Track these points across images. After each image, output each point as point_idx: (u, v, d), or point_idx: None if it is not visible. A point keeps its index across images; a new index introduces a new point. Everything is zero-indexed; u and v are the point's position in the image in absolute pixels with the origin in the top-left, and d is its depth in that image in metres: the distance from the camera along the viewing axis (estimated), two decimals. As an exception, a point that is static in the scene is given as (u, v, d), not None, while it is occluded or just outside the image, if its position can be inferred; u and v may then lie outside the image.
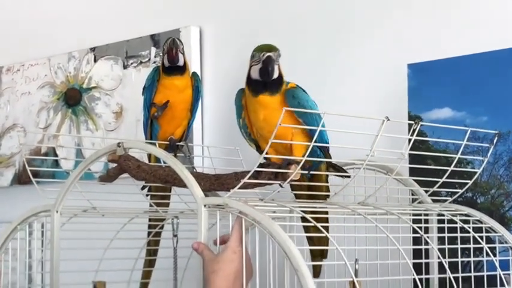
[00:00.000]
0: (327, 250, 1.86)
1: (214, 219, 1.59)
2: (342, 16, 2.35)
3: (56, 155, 2.93)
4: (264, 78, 1.82)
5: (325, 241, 1.70)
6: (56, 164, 2.91)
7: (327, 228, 1.58)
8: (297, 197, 1.84)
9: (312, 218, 1.55)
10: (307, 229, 1.76)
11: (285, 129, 1.76)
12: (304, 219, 1.61)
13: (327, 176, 1.90)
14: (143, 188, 2.12)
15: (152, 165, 1.85)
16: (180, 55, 2.17)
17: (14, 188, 3.06)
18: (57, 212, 1.84)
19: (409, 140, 1.75)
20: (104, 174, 1.95)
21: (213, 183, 1.75)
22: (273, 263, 1.74)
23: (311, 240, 1.86)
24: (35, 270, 2.06)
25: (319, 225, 1.54)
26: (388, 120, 1.65)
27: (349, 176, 1.83)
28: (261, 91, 1.83)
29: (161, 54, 2.25)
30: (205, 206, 1.57)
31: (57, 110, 2.99)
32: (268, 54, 1.81)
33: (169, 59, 2.17)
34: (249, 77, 1.86)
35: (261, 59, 1.82)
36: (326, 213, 1.80)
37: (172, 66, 2.17)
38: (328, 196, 1.84)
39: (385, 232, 1.60)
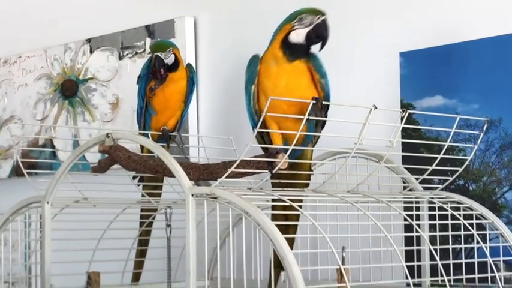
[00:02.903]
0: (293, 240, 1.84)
1: (208, 210, 1.60)
2: (335, 6, 2.34)
3: (53, 147, 2.94)
4: (312, 42, 1.80)
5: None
6: (54, 155, 2.91)
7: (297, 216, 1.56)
8: (277, 185, 1.82)
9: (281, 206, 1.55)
10: (274, 218, 1.74)
11: (303, 91, 1.79)
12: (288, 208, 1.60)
13: (310, 164, 1.89)
14: (134, 177, 2.12)
15: (142, 156, 1.86)
16: (169, 58, 2.18)
17: (12, 180, 3.07)
18: (47, 203, 1.84)
19: (400, 128, 1.75)
20: (95, 165, 1.96)
21: (202, 173, 1.75)
22: (260, 252, 1.74)
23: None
24: (33, 261, 2.07)
25: (306, 213, 1.54)
26: (376, 108, 1.65)
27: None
28: (299, 56, 1.81)
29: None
30: (193, 195, 1.58)
31: (54, 101, 3.00)
32: (323, 17, 1.80)
33: (154, 76, 2.19)
34: (285, 41, 1.82)
35: (314, 22, 1.80)
36: (300, 201, 1.79)
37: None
38: (308, 184, 1.83)
39: (373, 220, 1.61)
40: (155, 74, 2.19)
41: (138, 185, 2.16)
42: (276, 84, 1.82)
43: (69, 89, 2.97)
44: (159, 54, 2.17)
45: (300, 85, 1.82)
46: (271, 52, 1.85)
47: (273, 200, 1.64)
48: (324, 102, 1.79)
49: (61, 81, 2.99)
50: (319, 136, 1.89)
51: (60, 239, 1.94)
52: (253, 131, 1.86)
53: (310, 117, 1.64)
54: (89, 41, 2.91)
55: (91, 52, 2.91)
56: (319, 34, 1.82)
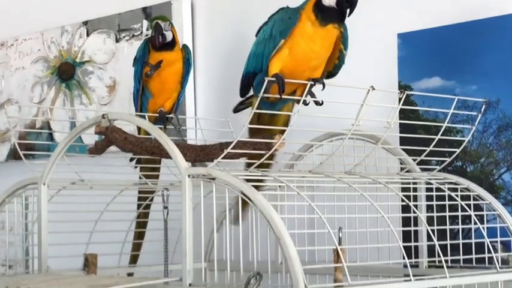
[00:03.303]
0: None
1: (205, 192, 1.60)
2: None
3: (51, 129, 2.93)
4: (342, 6, 1.79)
5: None
6: (51, 138, 2.91)
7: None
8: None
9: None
10: None
11: (326, 57, 1.82)
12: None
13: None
14: (131, 160, 2.12)
15: (139, 137, 1.86)
16: (167, 32, 2.18)
17: (10, 163, 3.07)
18: (44, 184, 1.84)
19: (397, 109, 1.75)
20: (92, 147, 1.96)
21: (198, 154, 1.75)
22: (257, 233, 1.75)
23: None
24: (30, 243, 2.07)
25: (303, 194, 1.54)
26: (374, 89, 1.65)
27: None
28: (331, 20, 1.80)
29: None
30: (189, 176, 1.57)
31: (51, 84, 2.99)
32: None
33: (153, 45, 2.18)
34: (318, 4, 1.80)
35: None
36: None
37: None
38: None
39: (370, 200, 1.60)
40: (153, 42, 2.18)
41: (135, 167, 2.15)
42: (311, 47, 1.82)
43: (66, 72, 2.96)
44: (159, 21, 2.17)
45: (328, 51, 1.85)
46: (306, 13, 1.82)
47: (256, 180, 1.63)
48: (316, 82, 1.78)
49: (58, 64, 2.98)
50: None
51: (57, 221, 1.94)
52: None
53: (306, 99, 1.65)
54: (85, 23, 2.90)
55: (88, 35, 2.89)
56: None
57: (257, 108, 1.61)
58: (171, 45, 2.20)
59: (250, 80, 1.94)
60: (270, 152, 1.63)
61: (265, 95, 1.58)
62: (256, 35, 1.93)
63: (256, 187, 1.61)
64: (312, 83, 1.72)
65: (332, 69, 1.92)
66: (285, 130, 1.65)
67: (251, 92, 2.01)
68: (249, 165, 1.76)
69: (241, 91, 2.00)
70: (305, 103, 1.73)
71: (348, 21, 2.27)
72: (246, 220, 1.97)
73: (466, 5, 2.10)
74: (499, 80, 2.02)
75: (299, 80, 1.77)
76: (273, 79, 1.69)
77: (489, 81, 2.04)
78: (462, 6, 2.10)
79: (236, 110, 2.07)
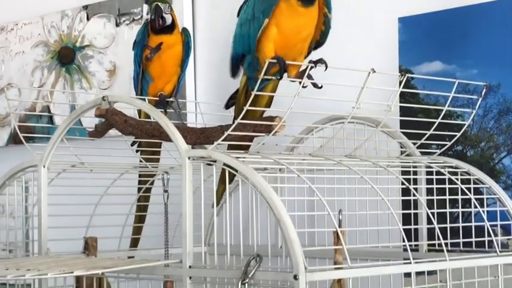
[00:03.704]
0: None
1: (205, 176, 1.60)
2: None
3: (51, 113, 2.93)
4: None
5: None
6: (51, 121, 2.90)
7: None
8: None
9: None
10: None
11: (314, 24, 1.81)
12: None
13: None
14: (133, 144, 2.12)
15: (139, 120, 1.85)
16: (167, 15, 2.17)
17: (10, 147, 3.06)
18: (44, 166, 1.84)
19: (398, 92, 1.75)
20: (92, 130, 1.95)
21: (198, 137, 1.75)
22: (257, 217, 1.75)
23: None
24: (30, 226, 2.07)
25: (303, 176, 1.53)
26: (374, 72, 1.65)
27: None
28: (311, 2, 1.79)
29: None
30: (189, 158, 1.57)
31: (51, 69, 2.99)
32: None
33: (152, 27, 2.17)
34: None
35: None
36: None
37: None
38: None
39: (370, 183, 1.60)
40: (153, 25, 2.17)
41: (136, 151, 2.15)
42: (297, 20, 1.79)
43: (66, 57, 2.95)
44: (159, 4, 2.16)
45: (315, 18, 1.83)
46: None
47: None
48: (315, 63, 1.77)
49: (58, 48, 2.98)
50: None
51: (57, 204, 1.94)
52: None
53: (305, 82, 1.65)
54: (85, 7, 2.89)
55: (88, 19, 2.89)
56: None
57: (245, 87, 1.60)
58: (170, 28, 2.19)
59: (239, 61, 1.92)
60: (271, 135, 1.62)
61: (265, 77, 1.58)
62: (238, 15, 1.92)
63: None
64: (313, 65, 1.72)
65: (319, 37, 1.89)
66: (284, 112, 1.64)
67: (241, 73, 1.99)
68: (230, 147, 1.77)
69: (232, 72, 1.98)
70: (304, 86, 1.73)
71: (348, 5, 2.28)
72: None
73: (467, -11, 2.10)
74: (500, 65, 2.02)
75: (293, 54, 1.78)
76: (274, 61, 1.68)
77: (490, 65, 2.03)
78: (463, -10, 2.10)
79: (227, 105, 2.04)
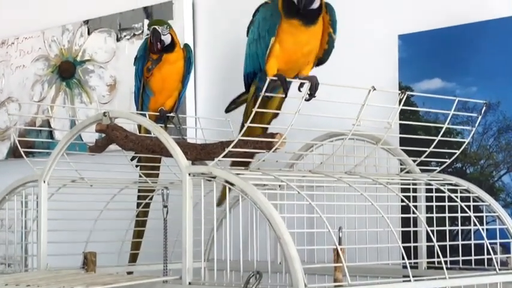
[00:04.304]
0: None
1: (205, 191, 1.60)
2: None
3: (51, 128, 2.93)
4: (302, 7, 1.77)
5: None
6: (51, 136, 2.91)
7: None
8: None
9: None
10: None
11: (318, 41, 1.84)
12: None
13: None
14: (133, 159, 2.12)
15: (140, 136, 1.85)
16: (165, 36, 2.18)
17: (9, 161, 3.07)
18: (44, 182, 1.84)
19: (398, 109, 1.75)
20: (92, 145, 1.96)
21: (199, 153, 1.75)
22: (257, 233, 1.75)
23: None
24: (30, 241, 2.07)
25: (303, 193, 1.54)
26: (375, 89, 1.65)
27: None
28: (312, 22, 1.80)
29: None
30: (189, 174, 1.57)
31: (51, 83, 2.99)
32: None
33: (151, 50, 2.19)
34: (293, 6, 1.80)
35: None
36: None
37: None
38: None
39: (370, 200, 1.60)
40: (152, 48, 2.19)
41: (136, 166, 2.15)
42: (299, 36, 1.82)
43: (67, 71, 2.96)
44: (156, 27, 2.17)
45: (318, 35, 1.87)
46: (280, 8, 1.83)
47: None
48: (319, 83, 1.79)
49: (58, 62, 2.98)
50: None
51: (56, 219, 1.94)
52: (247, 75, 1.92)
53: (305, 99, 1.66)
54: (86, 22, 2.90)
55: (89, 33, 2.90)
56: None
57: (253, 97, 1.61)
58: (170, 47, 2.20)
59: (251, 79, 1.96)
60: (271, 151, 1.63)
61: (268, 94, 1.59)
62: (247, 35, 1.96)
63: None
64: (306, 81, 1.73)
65: (322, 55, 1.92)
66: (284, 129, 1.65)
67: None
68: (233, 163, 1.78)
69: (246, 88, 2.01)
70: (307, 99, 1.74)
71: (349, 22, 2.29)
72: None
73: (467, 6, 2.10)
74: (500, 82, 2.02)
75: (298, 67, 1.83)
76: (275, 78, 1.69)
77: (489, 83, 2.04)
78: (463, 8, 2.11)
79: (228, 109, 2.09)
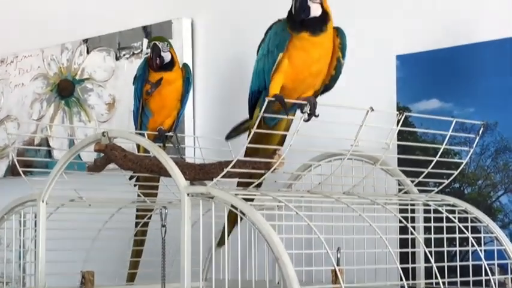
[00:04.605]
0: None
1: (203, 210, 1.60)
2: (332, 8, 2.35)
3: (49, 146, 2.93)
4: (297, 16, 1.77)
5: None
6: (50, 155, 2.91)
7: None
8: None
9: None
10: None
11: (325, 64, 1.81)
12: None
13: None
14: (131, 178, 2.12)
15: (138, 155, 1.86)
16: (165, 53, 2.19)
17: (8, 179, 3.07)
18: (43, 201, 1.84)
19: (396, 130, 1.76)
20: (91, 165, 1.96)
21: (198, 173, 1.75)
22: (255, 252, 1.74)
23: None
24: (28, 260, 2.07)
25: (301, 213, 1.54)
26: (373, 110, 1.66)
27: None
28: (320, 29, 1.78)
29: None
30: (188, 194, 1.58)
31: (50, 101, 3.00)
32: None
33: (151, 66, 2.20)
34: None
35: None
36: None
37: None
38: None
39: (368, 221, 1.61)
40: (151, 64, 2.19)
41: (135, 185, 2.16)
42: (309, 53, 1.80)
43: (66, 89, 2.96)
44: (157, 42, 2.18)
45: (328, 55, 1.85)
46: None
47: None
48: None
49: (57, 81, 2.99)
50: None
51: (54, 238, 1.93)
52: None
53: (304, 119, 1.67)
54: (85, 41, 2.91)
55: (88, 52, 2.91)
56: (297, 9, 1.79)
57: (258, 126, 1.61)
58: (170, 65, 2.21)
59: (256, 99, 1.92)
60: (270, 172, 1.63)
61: (265, 115, 1.59)
62: (257, 53, 1.93)
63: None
64: (307, 103, 1.73)
65: (328, 81, 1.89)
66: (281, 149, 1.66)
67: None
68: (240, 184, 1.77)
69: (250, 111, 1.97)
70: (305, 120, 1.74)
71: (347, 42, 2.30)
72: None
73: (465, 27, 2.11)
74: (497, 103, 2.03)
75: (303, 88, 1.80)
76: (273, 99, 1.69)
77: (487, 104, 2.05)
78: (461, 29, 2.12)
79: (228, 137, 2.05)
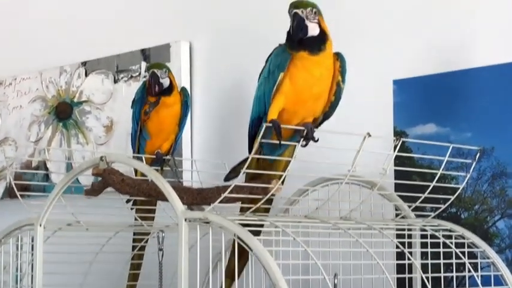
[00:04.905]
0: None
1: (201, 234, 1.60)
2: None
3: (47, 169, 2.93)
4: (294, 36, 1.77)
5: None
6: (47, 178, 2.91)
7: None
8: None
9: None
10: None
11: (326, 86, 1.81)
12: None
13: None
14: (128, 201, 2.13)
15: (136, 179, 1.86)
16: (164, 80, 2.20)
17: (5, 201, 3.06)
18: (40, 225, 1.84)
19: (393, 156, 1.76)
20: (89, 188, 1.96)
21: (195, 198, 1.76)
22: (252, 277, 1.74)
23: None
24: (25, 284, 2.06)
25: (298, 239, 1.54)
26: (370, 136, 1.67)
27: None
28: (318, 48, 1.78)
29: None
30: (186, 219, 1.58)
31: (48, 123, 3.01)
32: (293, 11, 1.77)
33: (149, 93, 2.21)
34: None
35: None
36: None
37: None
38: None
39: (365, 247, 1.61)
40: (149, 90, 2.20)
41: (132, 209, 2.16)
42: (310, 72, 1.79)
43: (64, 112, 2.97)
44: (155, 70, 2.19)
45: (329, 77, 1.84)
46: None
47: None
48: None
49: (56, 103, 3.00)
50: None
51: (52, 262, 1.93)
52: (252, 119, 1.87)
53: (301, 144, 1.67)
54: (84, 64, 2.92)
55: (86, 75, 2.92)
56: (294, 29, 1.79)
57: (257, 152, 1.61)
58: (168, 90, 2.22)
59: (257, 128, 1.87)
60: (267, 197, 1.64)
61: (264, 141, 1.60)
62: (258, 80, 1.91)
63: (258, 232, 1.62)
64: (304, 129, 1.73)
65: (328, 109, 1.87)
66: (281, 175, 1.66)
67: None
68: (243, 209, 1.76)
69: (249, 144, 1.91)
70: (304, 145, 1.74)
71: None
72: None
73: (461, 53, 2.13)
74: (494, 128, 2.04)
75: (304, 113, 1.79)
76: (270, 124, 1.69)
77: (484, 128, 2.06)
78: (457, 54, 2.13)
79: (227, 178, 1.92)
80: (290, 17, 1.78)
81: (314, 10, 1.78)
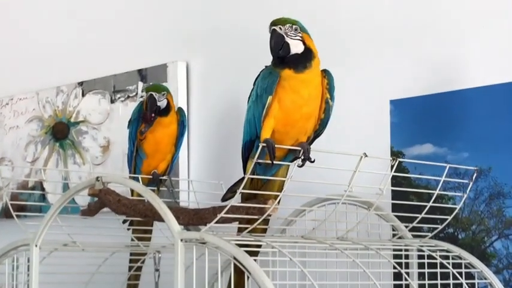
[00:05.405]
0: None
1: (197, 254, 1.59)
2: (324, 53, 2.36)
3: (43, 189, 2.93)
4: (273, 53, 1.75)
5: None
6: (43, 198, 2.90)
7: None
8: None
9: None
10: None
11: (316, 105, 1.78)
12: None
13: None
14: (124, 221, 2.12)
15: (132, 200, 1.86)
16: (161, 102, 2.20)
17: (1, 221, 3.05)
18: (36, 246, 1.83)
19: (390, 176, 1.76)
20: (85, 209, 1.96)
21: (192, 218, 1.75)
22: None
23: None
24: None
25: (295, 260, 1.54)
26: (366, 156, 1.67)
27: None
28: (304, 66, 1.75)
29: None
30: (182, 240, 1.57)
31: (45, 143, 3.00)
32: (272, 27, 1.75)
33: (144, 117, 2.21)
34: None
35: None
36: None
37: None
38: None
39: (362, 267, 1.61)
40: (145, 115, 2.21)
41: (128, 229, 2.15)
42: (298, 93, 1.76)
43: (60, 132, 2.97)
44: (153, 93, 2.19)
45: (318, 96, 1.81)
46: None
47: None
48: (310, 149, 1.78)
49: (52, 123, 3.00)
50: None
51: (48, 283, 1.92)
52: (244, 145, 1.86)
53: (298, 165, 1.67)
54: (81, 84, 2.93)
55: (83, 95, 2.92)
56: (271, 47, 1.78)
57: (252, 173, 1.61)
58: (165, 111, 2.22)
59: (249, 150, 1.85)
60: (263, 217, 1.63)
61: (259, 161, 1.59)
62: (247, 103, 1.90)
63: (255, 253, 1.61)
64: (301, 149, 1.73)
65: (318, 127, 1.85)
66: (278, 195, 1.66)
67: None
68: (240, 229, 1.75)
69: (244, 166, 1.89)
70: (299, 165, 1.74)
71: (341, 86, 2.31)
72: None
73: (458, 73, 2.13)
74: (491, 148, 2.04)
75: (295, 133, 1.77)
76: (264, 144, 1.68)
77: (481, 149, 2.06)
78: (454, 75, 2.13)
79: (224, 198, 1.91)
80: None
81: (294, 27, 1.77)
